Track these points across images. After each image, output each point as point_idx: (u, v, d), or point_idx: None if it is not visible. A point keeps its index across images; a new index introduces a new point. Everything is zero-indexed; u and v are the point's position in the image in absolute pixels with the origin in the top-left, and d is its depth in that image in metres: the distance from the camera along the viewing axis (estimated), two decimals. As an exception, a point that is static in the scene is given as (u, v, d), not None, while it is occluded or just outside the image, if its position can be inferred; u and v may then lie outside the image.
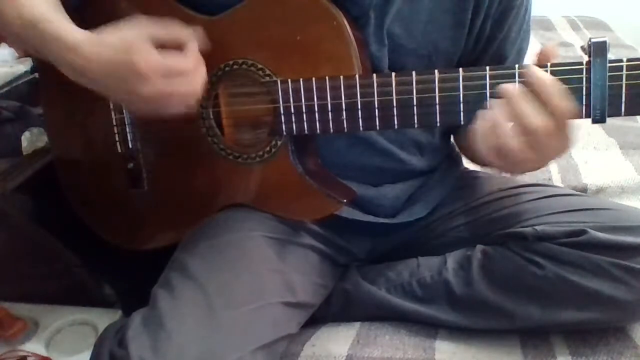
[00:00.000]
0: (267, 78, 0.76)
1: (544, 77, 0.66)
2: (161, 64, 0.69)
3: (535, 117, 0.65)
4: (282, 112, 0.76)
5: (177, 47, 0.72)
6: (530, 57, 0.90)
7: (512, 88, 0.67)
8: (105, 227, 0.96)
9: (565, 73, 0.67)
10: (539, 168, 0.74)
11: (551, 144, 0.67)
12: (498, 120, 0.67)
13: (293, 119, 0.76)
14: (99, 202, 0.95)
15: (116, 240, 0.95)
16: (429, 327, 0.88)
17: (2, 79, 1.22)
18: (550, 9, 2.33)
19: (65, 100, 0.90)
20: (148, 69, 0.68)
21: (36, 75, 1.14)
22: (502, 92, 0.68)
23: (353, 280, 0.93)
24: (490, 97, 0.69)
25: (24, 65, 1.27)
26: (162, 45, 0.71)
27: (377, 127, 0.74)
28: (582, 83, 0.66)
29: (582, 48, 0.67)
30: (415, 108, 0.72)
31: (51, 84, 0.92)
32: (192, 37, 0.74)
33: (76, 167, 0.95)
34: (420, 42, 0.80)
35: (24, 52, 1.28)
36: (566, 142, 0.68)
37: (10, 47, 1.31)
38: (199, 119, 0.81)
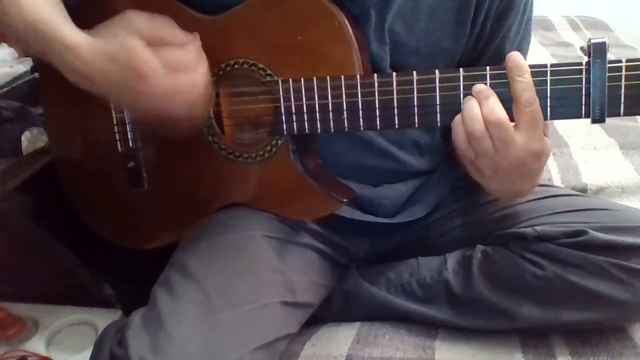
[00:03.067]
0: (268, 78, 0.76)
1: (522, 63, 0.67)
2: (161, 60, 0.68)
3: (501, 109, 0.67)
4: (282, 111, 0.76)
5: (178, 44, 0.71)
6: (531, 58, 0.90)
7: (482, 85, 0.69)
8: (105, 227, 0.96)
9: (565, 73, 0.67)
10: (516, 189, 0.76)
11: (518, 143, 0.68)
12: (468, 116, 0.69)
13: (294, 119, 0.76)
14: (99, 201, 0.95)
15: (116, 239, 0.95)
16: (429, 327, 0.88)
17: (2, 79, 1.21)
18: (550, 9, 2.33)
19: (65, 100, 0.90)
20: (148, 67, 0.67)
21: (36, 75, 1.14)
22: (473, 89, 0.69)
23: (353, 280, 0.93)
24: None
25: (24, 65, 1.27)
26: (158, 42, 0.70)
27: (378, 127, 0.74)
28: (582, 83, 0.67)
29: (582, 49, 0.67)
30: (415, 108, 0.72)
31: (51, 84, 0.92)
32: (193, 35, 0.73)
33: (76, 166, 0.95)
34: (422, 40, 0.80)
35: (24, 52, 1.27)
36: (536, 144, 0.69)
37: (10, 47, 1.31)
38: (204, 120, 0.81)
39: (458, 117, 0.70)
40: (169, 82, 0.68)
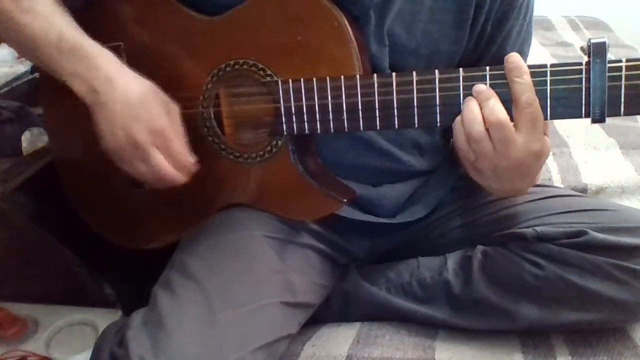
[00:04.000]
0: (268, 78, 0.76)
1: (521, 64, 0.67)
2: (180, 141, 0.76)
3: (502, 110, 0.67)
4: (282, 112, 0.76)
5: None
6: (531, 57, 0.90)
7: (482, 86, 0.69)
8: (106, 227, 0.96)
9: (565, 73, 0.67)
10: (515, 188, 0.76)
11: (518, 143, 0.68)
12: (467, 118, 0.69)
13: (294, 119, 0.76)
14: (99, 201, 0.95)
15: (116, 239, 0.95)
16: (429, 327, 0.88)
17: (2, 79, 1.21)
18: (550, 9, 2.33)
19: (65, 101, 0.90)
20: (164, 130, 0.74)
21: (36, 75, 1.14)
22: (474, 90, 0.69)
23: (353, 280, 0.93)
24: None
25: (24, 65, 1.27)
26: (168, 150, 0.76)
27: (378, 127, 0.74)
28: (582, 83, 0.67)
29: (582, 49, 0.67)
30: (415, 108, 0.72)
31: (51, 84, 0.91)
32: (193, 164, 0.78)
33: (76, 166, 0.95)
34: (421, 42, 0.80)
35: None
36: (536, 144, 0.69)
37: (10, 47, 1.31)
38: (199, 118, 0.81)
39: (459, 119, 0.70)
40: (155, 157, 0.74)
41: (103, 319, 1.08)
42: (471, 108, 0.69)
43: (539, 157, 0.71)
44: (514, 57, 0.68)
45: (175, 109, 0.77)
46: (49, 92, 0.94)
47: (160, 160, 0.74)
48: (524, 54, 0.88)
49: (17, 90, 1.19)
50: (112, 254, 0.97)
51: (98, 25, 0.77)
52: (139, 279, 0.85)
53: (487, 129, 0.68)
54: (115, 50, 0.78)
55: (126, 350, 0.67)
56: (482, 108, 0.68)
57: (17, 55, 1.33)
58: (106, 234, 0.96)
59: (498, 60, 0.84)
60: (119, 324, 0.77)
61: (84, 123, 0.91)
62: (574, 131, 1.35)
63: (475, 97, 0.69)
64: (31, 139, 1.04)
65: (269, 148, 0.80)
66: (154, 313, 0.71)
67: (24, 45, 0.78)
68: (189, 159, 0.77)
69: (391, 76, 0.71)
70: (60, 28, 0.74)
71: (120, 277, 1.10)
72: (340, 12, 0.72)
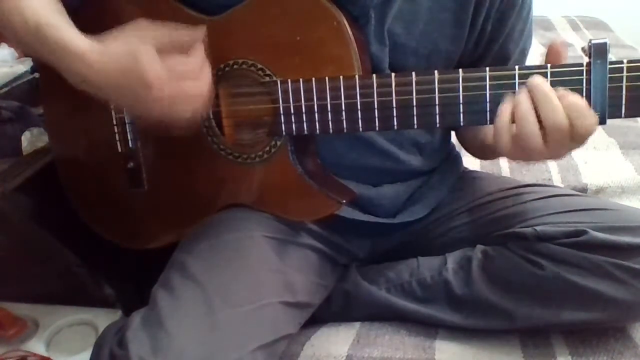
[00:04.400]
0: (267, 78, 0.76)
1: (544, 88, 0.66)
2: (168, 69, 0.68)
3: (561, 112, 0.65)
4: (281, 112, 0.76)
5: (182, 50, 0.71)
6: (531, 57, 0.90)
7: (540, 79, 0.66)
8: (106, 226, 0.96)
9: (566, 75, 0.67)
10: (548, 159, 0.73)
11: (564, 142, 0.67)
12: (522, 106, 0.66)
13: (293, 120, 0.76)
14: (99, 201, 0.95)
15: (116, 239, 0.95)
16: (429, 327, 0.88)
17: (2, 79, 1.21)
18: (550, 9, 2.34)
19: (66, 100, 0.90)
20: (155, 76, 0.67)
21: (36, 75, 1.14)
22: (529, 82, 0.67)
23: (353, 280, 0.93)
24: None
25: (24, 65, 1.27)
26: (167, 50, 0.70)
27: (377, 128, 0.74)
28: (582, 85, 0.66)
29: (583, 49, 0.67)
30: (414, 109, 0.71)
31: (51, 84, 0.92)
32: (197, 38, 0.73)
33: (76, 166, 0.95)
34: (421, 41, 0.80)
35: (24, 52, 1.28)
36: (582, 144, 0.69)
37: (10, 47, 1.31)
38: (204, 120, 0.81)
39: (504, 117, 0.67)
40: (175, 91, 0.69)
41: (103, 319, 1.08)
42: (522, 103, 0.66)
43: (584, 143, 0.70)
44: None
45: (138, 49, 0.68)
46: (49, 92, 0.94)
47: (180, 90, 0.69)
48: (526, 51, 0.88)
49: (17, 90, 1.19)
50: (112, 254, 0.97)
51: (98, 25, 0.76)
52: (139, 279, 0.85)
53: (541, 129, 0.66)
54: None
55: (126, 350, 0.67)
56: (537, 104, 0.66)
57: (17, 55, 1.33)
58: (106, 234, 0.96)
59: (501, 59, 0.85)
60: (119, 324, 0.77)
61: (84, 123, 0.92)
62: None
63: (529, 91, 0.66)
64: (31, 139, 1.04)
65: (268, 148, 0.80)
66: (153, 313, 0.71)
67: (17, 40, 0.77)
68: (194, 56, 0.72)
69: (390, 77, 0.71)
70: (34, 14, 0.72)
71: (120, 277, 1.10)
72: (340, 12, 0.72)
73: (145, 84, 0.67)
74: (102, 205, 0.95)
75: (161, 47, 0.69)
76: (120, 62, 0.68)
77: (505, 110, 0.67)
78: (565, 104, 0.65)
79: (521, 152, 0.69)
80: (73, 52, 0.69)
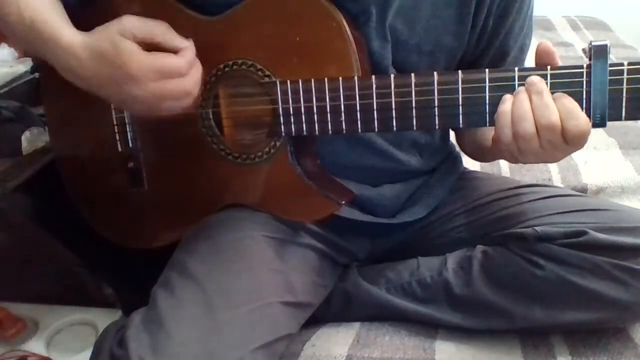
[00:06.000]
0: (266, 79, 0.76)
1: (541, 86, 0.66)
2: (152, 64, 0.69)
3: (554, 111, 0.66)
4: (280, 113, 0.76)
5: (173, 49, 0.72)
6: (530, 57, 0.90)
7: (537, 78, 0.67)
8: (107, 226, 0.96)
9: (566, 77, 0.66)
10: (544, 162, 0.74)
11: (557, 143, 0.67)
12: (518, 113, 0.66)
13: (292, 120, 0.76)
14: (100, 201, 0.95)
15: (117, 239, 0.95)
16: (429, 327, 0.88)
17: (2, 79, 1.21)
18: (550, 9, 2.33)
19: (66, 100, 0.90)
20: (139, 70, 0.68)
21: (36, 75, 1.14)
22: (527, 80, 0.67)
23: (353, 280, 0.93)
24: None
25: (24, 65, 1.27)
26: (158, 48, 0.70)
27: (376, 129, 0.74)
28: (583, 87, 0.66)
29: (583, 50, 0.66)
30: (414, 110, 0.71)
31: (52, 84, 0.92)
32: (187, 40, 0.73)
33: (78, 166, 0.95)
34: (423, 37, 0.80)
35: (24, 52, 1.28)
36: (576, 147, 0.69)
37: (10, 47, 1.31)
38: (198, 118, 0.81)
39: (504, 113, 0.67)
40: (158, 88, 0.69)
41: (103, 319, 1.09)
42: (521, 102, 0.66)
43: (581, 147, 0.70)
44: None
45: (119, 40, 0.69)
46: (50, 91, 0.94)
47: (165, 88, 0.70)
48: (526, 48, 0.88)
49: (17, 90, 1.19)
50: (112, 254, 0.97)
51: (98, 25, 0.77)
52: (139, 279, 0.85)
53: (537, 129, 0.66)
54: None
55: (126, 350, 0.67)
56: (532, 103, 0.66)
57: (17, 55, 1.33)
58: (107, 234, 0.96)
59: (501, 55, 0.85)
60: (119, 324, 0.77)
61: (85, 123, 0.92)
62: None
63: (526, 89, 0.67)
64: (31, 139, 1.04)
65: (267, 149, 0.80)
66: (153, 313, 0.71)
67: (15, 36, 0.78)
68: (181, 55, 0.71)
69: (389, 78, 0.71)
70: (29, 10, 0.73)
71: (120, 277, 1.10)
72: (339, 12, 0.72)
73: (129, 78, 0.68)
74: (103, 204, 0.95)
75: (145, 43, 0.69)
76: (104, 55, 0.69)
77: (506, 109, 0.67)
78: (558, 105, 0.66)
79: (519, 154, 0.69)
80: (64, 47, 0.71)
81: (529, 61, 0.91)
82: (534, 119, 0.66)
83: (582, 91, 0.66)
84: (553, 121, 0.65)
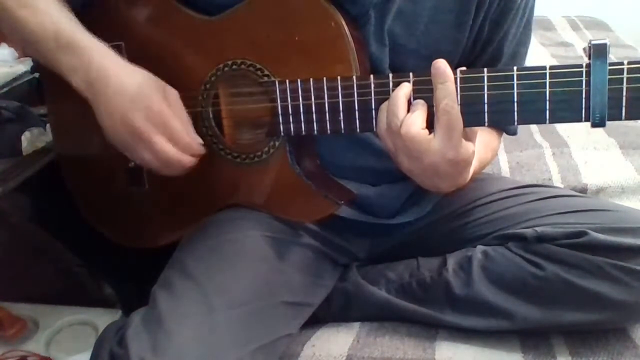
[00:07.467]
0: (266, 78, 0.76)
1: (446, 70, 0.66)
2: (162, 115, 0.74)
3: (416, 122, 0.67)
4: (279, 112, 0.76)
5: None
6: (530, 58, 0.90)
7: (408, 87, 0.69)
8: (108, 225, 0.96)
9: (565, 76, 0.66)
10: (435, 186, 0.74)
11: (432, 150, 0.67)
12: (392, 109, 0.68)
13: (290, 120, 0.76)
14: (102, 200, 0.95)
15: (118, 238, 0.96)
16: (429, 328, 0.88)
17: (2, 79, 1.21)
18: (550, 9, 2.33)
19: (68, 100, 0.90)
20: (151, 138, 0.74)
21: (36, 75, 1.14)
22: (395, 91, 0.69)
23: (353, 280, 0.93)
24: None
25: (24, 65, 1.27)
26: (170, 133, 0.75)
27: (374, 129, 0.73)
28: (582, 86, 0.65)
29: (584, 50, 0.66)
30: (413, 110, 0.71)
31: (54, 84, 0.91)
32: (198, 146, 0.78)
33: (79, 166, 0.95)
34: (421, 42, 0.80)
35: (24, 52, 1.28)
36: (451, 152, 0.68)
37: (10, 47, 1.31)
38: (198, 118, 0.82)
39: (385, 104, 0.69)
40: (147, 134, 0.74)
41: (103, 319, 1.09)
42: (398, 101, 0.68)
43: (455, 164, 0.69)
44: (439, 64, 0.66)
45: (173, 92, 0.77)
46: (52, 91, 0.94)
47: (162, 145, 0.74)
48: (519, 55, 0.88)
49: (17, 90, 1.19)
50: (112, 254, 0.98)
51: (99, 25, 0.77)
52: (139, 279, 0.85)
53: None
54: (117, 49, 0.78)
55: (126, 350, 0.67)
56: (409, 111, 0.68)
57: (17, 55, 1.33)
58: (108, 233, 0.96)
59: (495, 61, 0.85)
60: (119, 324, 0.77)
61: (88, 121, 0.91)
62: (574, 131, 1.35)
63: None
64: (31, 139, 1.04)
65: (267, 149, 0.80)
66: (153, 313, 0.71)
67: (25, 40, 0.78)
68: (194, 139, 0.77)
69: (388, 77, 0.71)
70: (58, 23, 0.75)
71: (120, 277, 1.10)
72: (338, 12, 0.72)
73: (135, 133, 0.74)
74: (104, 204, 0.96)
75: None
76: (137, 80, 0.74)
77: (419, 117, 0.68)
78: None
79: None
80: (96, 68, 0.74)
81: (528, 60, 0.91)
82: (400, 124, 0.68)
83: (582, 90, 0.65)
84: (412, 132, 0.67)
